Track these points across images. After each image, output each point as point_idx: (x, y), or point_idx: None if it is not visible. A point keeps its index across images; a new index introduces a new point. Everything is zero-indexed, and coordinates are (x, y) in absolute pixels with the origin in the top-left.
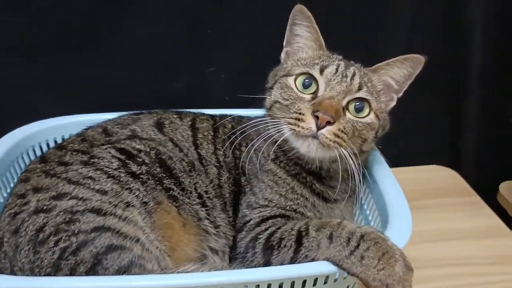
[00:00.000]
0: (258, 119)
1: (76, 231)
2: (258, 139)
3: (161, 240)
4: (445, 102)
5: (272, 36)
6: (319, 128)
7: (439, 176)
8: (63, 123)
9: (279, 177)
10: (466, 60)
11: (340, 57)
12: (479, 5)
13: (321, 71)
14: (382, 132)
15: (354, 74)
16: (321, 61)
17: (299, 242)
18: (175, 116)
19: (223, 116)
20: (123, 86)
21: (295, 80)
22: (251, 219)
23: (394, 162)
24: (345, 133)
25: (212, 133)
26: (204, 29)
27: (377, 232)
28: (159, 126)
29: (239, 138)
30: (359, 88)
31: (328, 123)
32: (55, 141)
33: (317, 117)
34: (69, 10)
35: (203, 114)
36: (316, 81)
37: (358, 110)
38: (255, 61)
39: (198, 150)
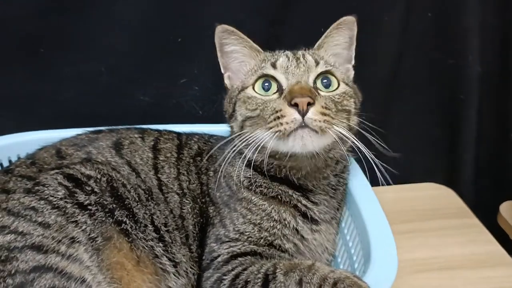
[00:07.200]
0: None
1: (13, 272)
2: (225, 164)
3: (110, 281)
4: (443, 116)
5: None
6: (303, 114)
7: (435, 195)
8: (20, 140)
9: (254, 204)
10: (463, 71)
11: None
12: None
13: (273, 66)
14: (359, 101)
15: (304, 55)
16: (268, 59)
17: (265, 287)
18: (136, 135)
19: (190, 135)
20: (85, 99)
21: (253, 88)
22: (219, 255)
23: (390, 179)
24: (329, 109)
25: (175, 155)
26: (173, 37)
27: (354, 277)
28: (117, 147)
29: (206, 162)
30: (317, 64)
31: (309, 104)
32: (10, 160)
33: (296, 105)
34: (19, 21)
35: (170, 132)
36: (274, 78)
37: (327, 85)
38: None
39: (158, 175)
